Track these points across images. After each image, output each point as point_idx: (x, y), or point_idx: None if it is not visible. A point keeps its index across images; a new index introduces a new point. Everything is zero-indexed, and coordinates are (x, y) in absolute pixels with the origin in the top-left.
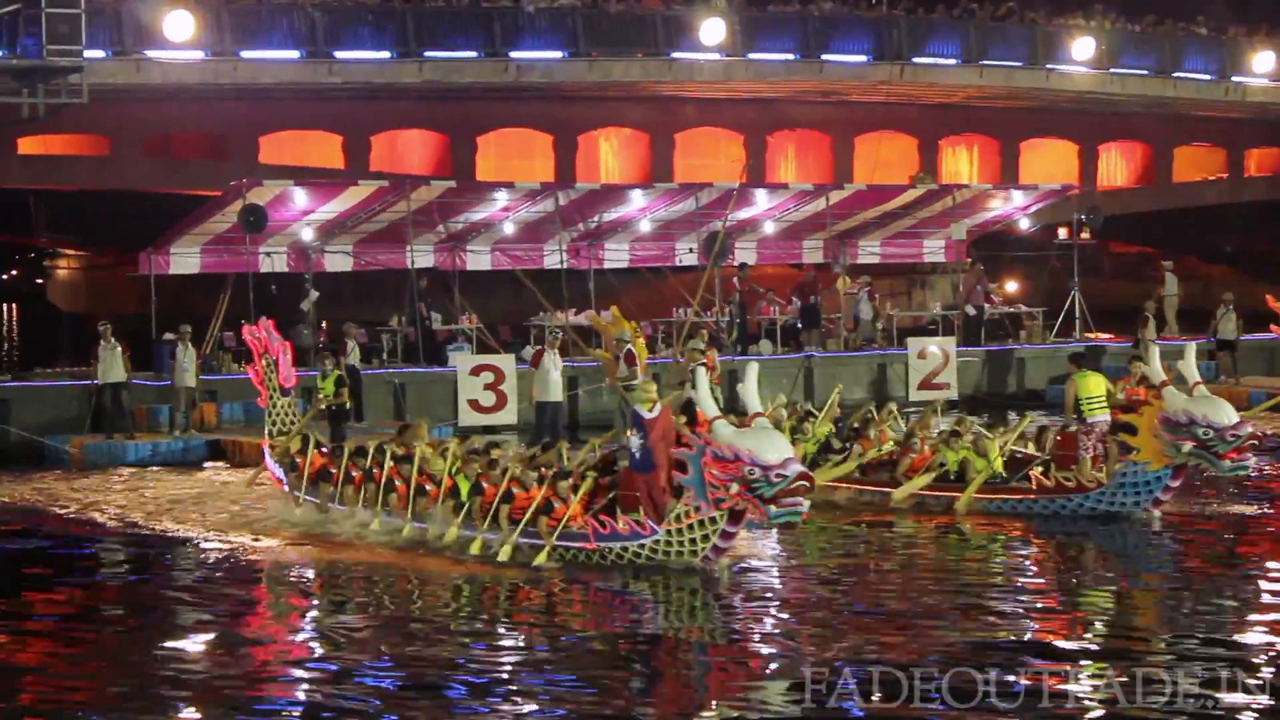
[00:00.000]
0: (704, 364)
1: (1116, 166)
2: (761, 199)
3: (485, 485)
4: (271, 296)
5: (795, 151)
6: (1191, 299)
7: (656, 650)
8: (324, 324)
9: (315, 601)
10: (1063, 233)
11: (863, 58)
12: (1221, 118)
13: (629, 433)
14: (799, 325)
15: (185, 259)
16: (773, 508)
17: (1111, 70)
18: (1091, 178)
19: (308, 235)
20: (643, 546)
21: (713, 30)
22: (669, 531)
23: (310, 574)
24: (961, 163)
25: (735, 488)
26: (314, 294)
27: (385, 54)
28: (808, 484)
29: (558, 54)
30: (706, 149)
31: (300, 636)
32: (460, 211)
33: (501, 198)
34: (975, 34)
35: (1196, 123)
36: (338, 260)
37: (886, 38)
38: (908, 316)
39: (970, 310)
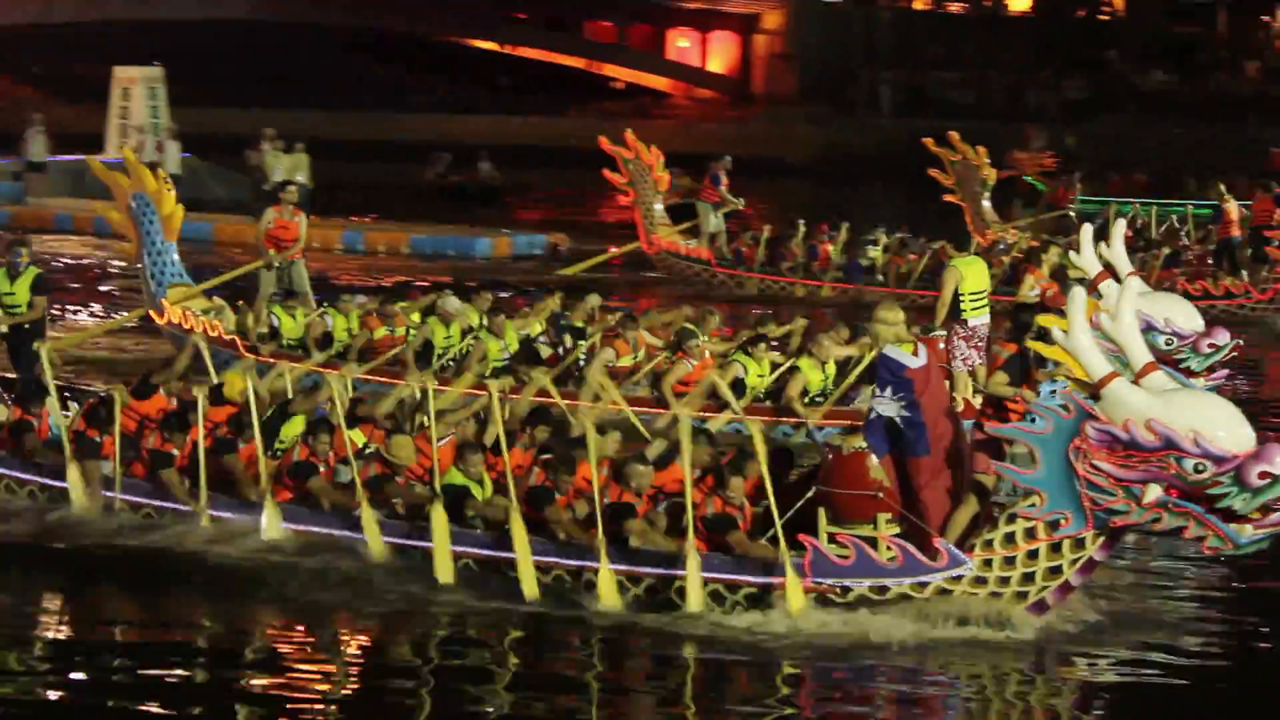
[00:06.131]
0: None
1: None
2: None
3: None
4: None
5: None
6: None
7: None
8: None
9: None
10: None
11: None
12: None
13: (874, 392)
14: None
15: None
16: (1246, 529)
17: None
18: None
19: None
20: (922, 587)
21: None
22: (986, 562)
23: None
24: None
25: (1154, 493)
26: None
27: None
28: None
29: None
30: None
31: None
32: None
33: None
34: None
35: None
36: None
37: None
38: None
39: None
